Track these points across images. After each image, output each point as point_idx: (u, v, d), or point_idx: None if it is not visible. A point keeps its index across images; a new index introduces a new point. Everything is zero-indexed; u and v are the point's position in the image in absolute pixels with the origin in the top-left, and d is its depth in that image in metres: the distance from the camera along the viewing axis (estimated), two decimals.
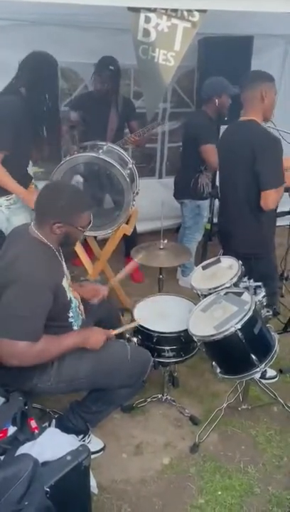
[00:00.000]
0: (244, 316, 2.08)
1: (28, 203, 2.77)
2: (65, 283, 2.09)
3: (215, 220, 3.35)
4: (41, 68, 2.66)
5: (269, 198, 2.46)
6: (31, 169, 3.26)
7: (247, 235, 2.63)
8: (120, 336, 2.32)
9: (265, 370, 2.72)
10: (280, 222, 3.22)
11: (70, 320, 2.14)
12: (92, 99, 3.56)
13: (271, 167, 2.44)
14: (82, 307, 2.28)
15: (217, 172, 3.36)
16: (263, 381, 2.74)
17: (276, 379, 2.84)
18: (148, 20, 2.16)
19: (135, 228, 3.51)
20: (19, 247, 2.01)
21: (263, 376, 2.73)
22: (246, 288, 2.30)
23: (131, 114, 3.72)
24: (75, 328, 2.17)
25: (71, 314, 2.13)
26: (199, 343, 2.23)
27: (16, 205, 2.83)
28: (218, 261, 2.59)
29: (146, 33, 2.19)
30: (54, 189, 2.12)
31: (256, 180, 2.46)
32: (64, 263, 2.15)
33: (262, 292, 2.29)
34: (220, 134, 3.87)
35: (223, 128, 3.61)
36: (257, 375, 2.31)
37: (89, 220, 2.08)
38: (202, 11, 2.16)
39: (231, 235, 2.73)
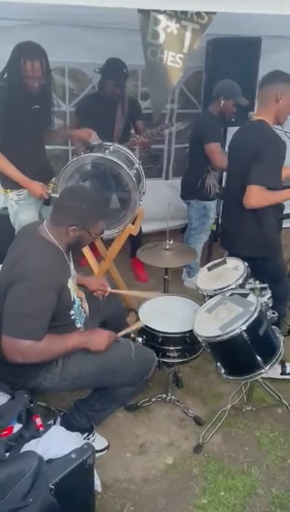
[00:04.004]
0: (250, 317, 2.08)
1: (32, 192, 2.78)
2: (71, 284, 2.10)
3: None
4: (12, 52, 2.63)
5: (251, 194, 2.38)
6: None
7: (249, 237, 2.60)
8: (125, 335, 2.33)
9: (285, 366, 2.81)
10: (285, 224, 3.22)
11: (72, 318, 2.15)
12: (98, 99, 3.57)
13: (264, 165, 2.37)
14: (85, 305, 2.30)
15: (225, 173, 3.36)
16: (283, 377, 2.79)
17: None
18: (157, 22, 2.16)
19: (141, 228, 3.52)
20: (27, 246, 2.03)
21: (284, 372, 2.79)
22: (252, 289, 2.30)
23: (137, 114, 3.73)
24: (78, 325, 2.18)
25: (72, 312, 2.14)
26: (204, 344, 2.23)
27: (25, 202, 2.85)
28: (224, 262, 2.59)
29: (155, 34, 2.19)
30: (77, 192, 2.16)
31: None
32: (72, 264, 2.16)
33: (268, 294, 2.29)
34: (227, 135, 3.90)
35: (230, 129, 3.64)
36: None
37: (103, 228, 2.14)
38: (211, 13, 2.16)
39: (233, 238, 2.71)
